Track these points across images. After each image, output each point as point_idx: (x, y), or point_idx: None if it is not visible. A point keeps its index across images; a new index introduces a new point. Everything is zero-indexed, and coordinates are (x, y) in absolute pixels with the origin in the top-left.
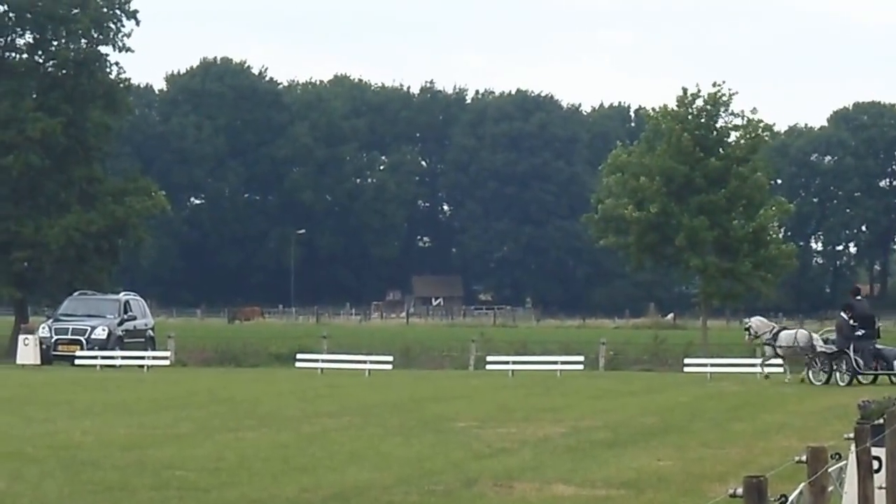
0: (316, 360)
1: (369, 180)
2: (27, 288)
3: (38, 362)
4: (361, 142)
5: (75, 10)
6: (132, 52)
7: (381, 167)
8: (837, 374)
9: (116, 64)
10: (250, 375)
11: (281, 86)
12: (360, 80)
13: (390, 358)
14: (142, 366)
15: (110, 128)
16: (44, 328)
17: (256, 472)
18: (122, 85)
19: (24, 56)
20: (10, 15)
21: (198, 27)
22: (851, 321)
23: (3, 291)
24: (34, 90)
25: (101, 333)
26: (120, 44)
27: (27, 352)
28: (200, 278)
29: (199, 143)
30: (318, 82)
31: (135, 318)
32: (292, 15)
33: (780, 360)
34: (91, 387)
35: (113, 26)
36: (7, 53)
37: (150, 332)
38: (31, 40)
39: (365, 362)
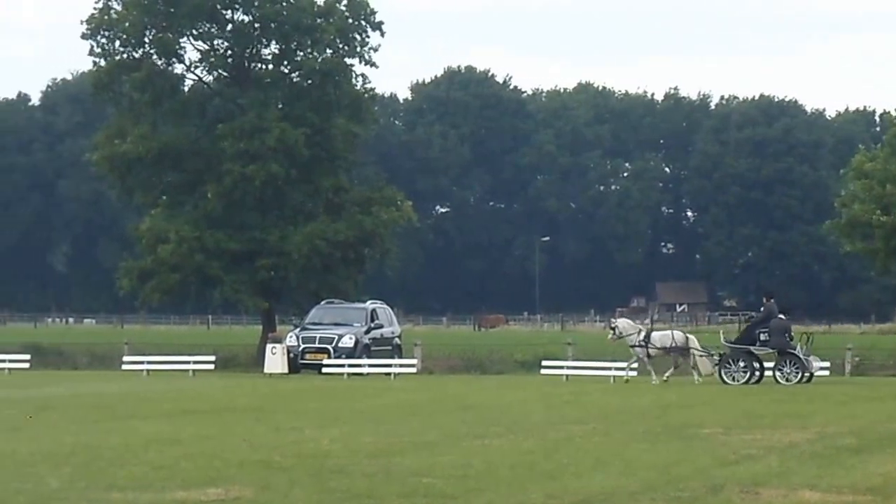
0: (561, 367)
1: (613, 187)
2: (274, 297)
3: (286, 371)
4: (605, 149)
5: (320, 20)
6: (376, 66)
7: (625, 174)
8: (778, 372)
9: (363, 75)
10: (496, 382)
11: (525, 94)
12: (604, 88)
13: (635, 364)
14: (389, 374)
15: (356, 137)
16: (291, 337)
17: (503, 479)
18: (367, 95)
19: (270, 67)
20: (256, 26)
21: (443, 37)
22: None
23: (250, 301)
24: (279, 100)
25: (348, 342)
26: (366, 57)
27: (275, 361)
28: (446, 286)
29: (444, 152)
30: (562, 90)
31: (381, 327)
32: (536, 23)
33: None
34: (338, 395)
35: (358, 37)
36: (253, 64)
37: (397, 340)
38: (276, 51)
39: (609, 369)
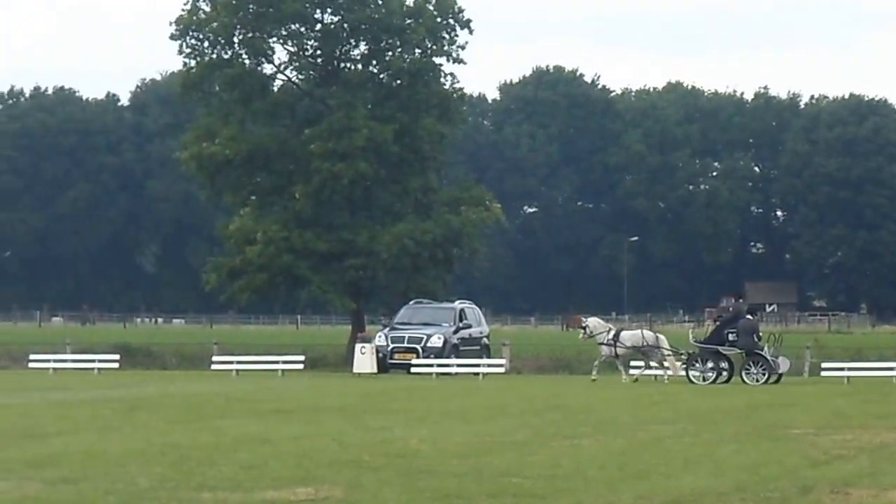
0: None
1: (702, 187)
2: (363, 297)
3: (375, 371)
4: (694, 148)
5: (409, 21)
6: (465, 63)
7: (714, 173)
8: (745, 373)
9: (451, 75)
10: (584, 382)
11: (614, 93)
12: (693, 87)
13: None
14: (477, 373)
15: (445, 137)
16: (380, 337)
17: (592, 480)
18: (455, 94)
19: (359, 66)
20: (345, 26)
21: (531, 37)
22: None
23: (339, 301)
24: (368, 101)
25: (436, 342)
26: (454, 55)
27: (364, 360)
28: (534, 286)
29: (533, 152)
30: (651, 89)
31: (470, 327)
32: (625, 23)
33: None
34: (427, 395)
35: (447, 35)
36: (342, 64)
37: (486, 340)
38: (365, 51)
39: None
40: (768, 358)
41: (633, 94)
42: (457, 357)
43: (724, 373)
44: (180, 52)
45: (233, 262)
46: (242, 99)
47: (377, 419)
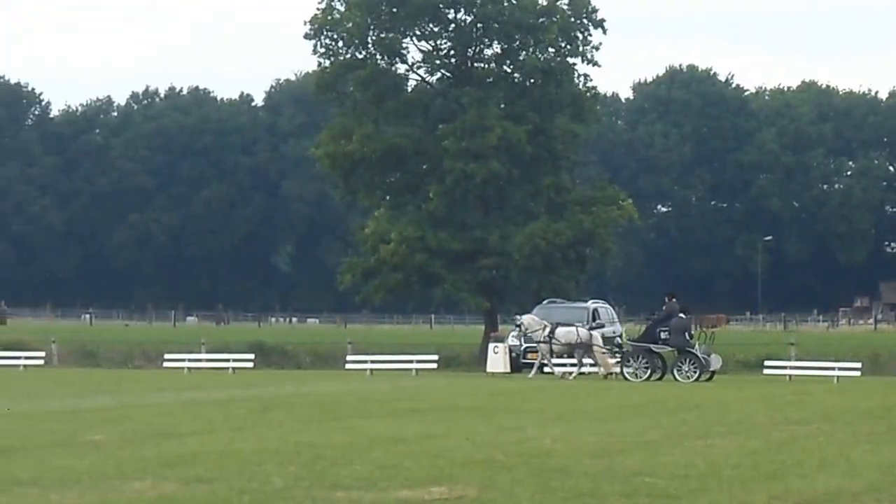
0: (783, 367)
1: (836, 186)
2: (496, 296)
3: (508, 370)
4: (828, 147)
5: (543, 20)
6: (598, 65)
7: (848, 173)
8: (677, 371)
9: (585, 74)
10: (718, 382)
11: (748, 92)
12: (828, 86)
13: (858, 365)
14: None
15: (578, 136)
16: (513, 336)
17: (726, 480)
18: (589, 94)
19: (492, 65)
20: (478, 25)
21: (665, 36)
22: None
23: (472, 300)
24: (501, 100)
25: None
26: (588, 56)
27: (497, 360)
28: (667, 286)
29: (666, 151)
30: (785, 88)
31: (603, 326)
32: (759, 22)
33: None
34: (560, 394)
35: (580, 35)
36: (475, 63)
37: (619, 339)
38: (498, 50)
39: (833, 369)
40: (699, 356)
41: (766, 93)
42: (590, 356)
43: (658, 370)
44: (314, 52)
45: (367, 262)
46: (376, 99)
47: (510, 418)
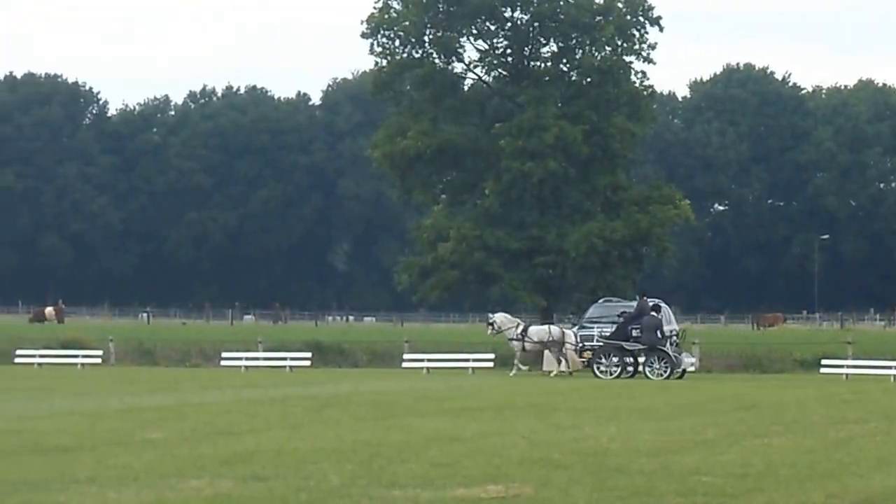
0: (841, 366)
1: (893, 185)
2: (552, 295)
3: (564, 369)
4: (885, 146)
5: (599, 18)
6: (654, 63)
7: None
8: (648, 368)
9: (642, 73)
10: (775, 381)
11: (804, 91)
12: (885, 85)
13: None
14: None
15: (634, 135)
16: (569, 335)
17: (783, 478)
18: (646, 93)
19: (549, 64)
20: (535, 25)
21: (721, 34)
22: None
23: (529, 299)
24: (558, 99)
25: None
26: (644, 54)
27: (553, 359)
28: (724, 285)
29: (723, 150)
30: (842, 87)
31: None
32: (817, 21)
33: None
34: (616, 393)
35: (636, 33)
36: (531, 62)
37: (675, 338)
38: (555, 49)
39: (890, 368)
40: (670, 354)
41: (823, 92)
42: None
43: (629, 368)
44: (371, 51)
45: (424, 260)
46: (433, 97)
47: (567, 417)
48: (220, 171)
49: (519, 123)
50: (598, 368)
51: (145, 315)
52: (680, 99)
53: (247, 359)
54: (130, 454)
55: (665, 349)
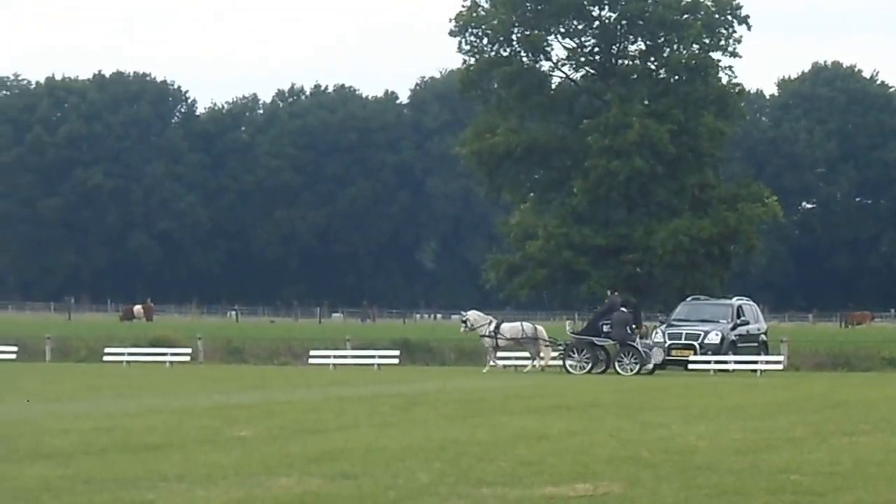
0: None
1: None
2: (639, 293)
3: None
4: None
5: (686, 16)
6: (740, 57)
7: None
8: (618, 364)
9: (730, 68)
10: (863, 380)
11: (892, 89)
12: None
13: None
14: (754, 370)
15: (723, 133)
16: (657, 333)
17: (871, 477)
18: (734, 91)
19: (636, 62)
20: (622, 23)
21: (809, 32)
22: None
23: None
24: (645, 97)
25: (714, 338)
26: (731, 50)
27: (544, 353)
28: (812, 283)
29: (810, 148)
30: None
31: (747, 323)
32: None
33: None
34: (704, 391)
35: (724, 31)
36: (618, 60)
37: (763, 336)
38: (642, 47)
39: None
40: (640, 349)
41: None
42: (734, 354)
43: (601, 363)
44: (459, 49)
45: (512, 258)
46: (521, 95)
47: (655, 415)
48: (308, 169)
49: (605, 121)
50: (568, 364)
51: (233, 313)
52: (768, 97)
53: (335, 357)
54: (219, 452)
55: (634, 344)
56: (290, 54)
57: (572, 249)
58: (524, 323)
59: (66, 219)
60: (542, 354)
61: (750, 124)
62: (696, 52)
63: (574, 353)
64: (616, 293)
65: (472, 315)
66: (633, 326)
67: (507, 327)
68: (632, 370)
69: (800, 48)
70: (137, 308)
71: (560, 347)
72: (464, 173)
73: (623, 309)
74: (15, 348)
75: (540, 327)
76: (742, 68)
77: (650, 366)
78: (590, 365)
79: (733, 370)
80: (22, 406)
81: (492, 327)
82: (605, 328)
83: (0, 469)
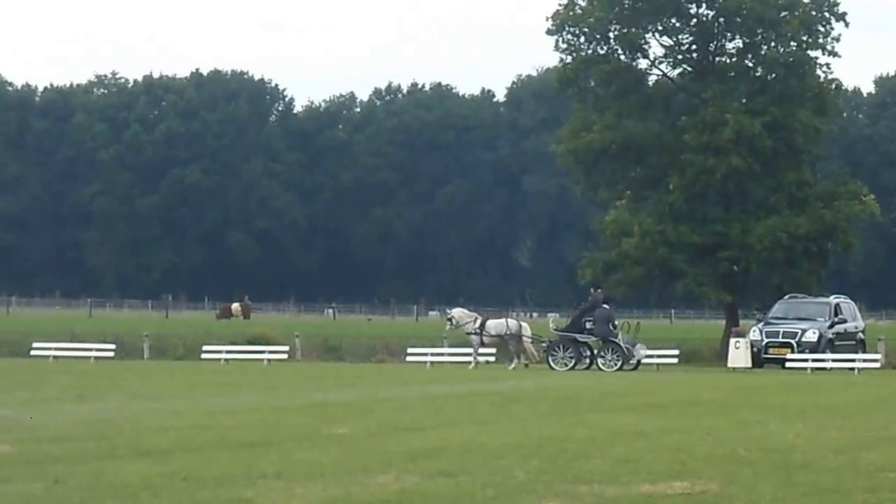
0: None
1: None
2: (736, 291)
3: (749, 365)
4: None
5: (784, 13)
6: (839, 56)
7: None
8: (600, 360)
9: (827, 65)
10: None
11: None
12: None
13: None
14: (852, 368)
15: (819, 131)
16: (754, 331)
17: None
18: (831, 88)
19: (733, 59)
20: (720, 20)
21: None
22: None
23: (713, 294)
24: (742, 94)
25: (811, 336)
26: (829, 48)
27: (738, 355)
28: None
29: None
30: None
31: (845, 322)
32: None
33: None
34: (802, 390)
35: (821, 29)
36: (716, 58)
37: (861, 335)
38: (739, 44)
39: None
40: (622, 345)
41: None
42: (832, 352)
43: (586, 359)
44: (556, 47)
45: (608, 255)
46: (618, 93)
47: (753, 414)
48: (405, 167)
49: (702, 118)
50: (552, 360)
51: (331, 311)
52: (865, 95)
53: (432, 354)
54: (317, 449)
55: (617, 341)
56: (386, 52)
57: (668, 247)
58: (509, 320)
59: (163, 217)
60: (528, 351)
61: (847, 122)
62: (794, 49)
63: (558, 350)
64: (599, 290)
65: (457, 313)
66: (615, 323)
67: (491, 324)
68: (615, 366)
69: None
70: (235, 306)
71: (543, 344)
72: (560, 171)
73: (605, 306)
74: (113, 346)
75: (524, 324)
76: (839, 66)
77: (633, 362)
78: (573, 362)
79: (831, 368)
80: (121, 403)
81: (477, 324)
82: (588, 325)
83: (99, 466)
